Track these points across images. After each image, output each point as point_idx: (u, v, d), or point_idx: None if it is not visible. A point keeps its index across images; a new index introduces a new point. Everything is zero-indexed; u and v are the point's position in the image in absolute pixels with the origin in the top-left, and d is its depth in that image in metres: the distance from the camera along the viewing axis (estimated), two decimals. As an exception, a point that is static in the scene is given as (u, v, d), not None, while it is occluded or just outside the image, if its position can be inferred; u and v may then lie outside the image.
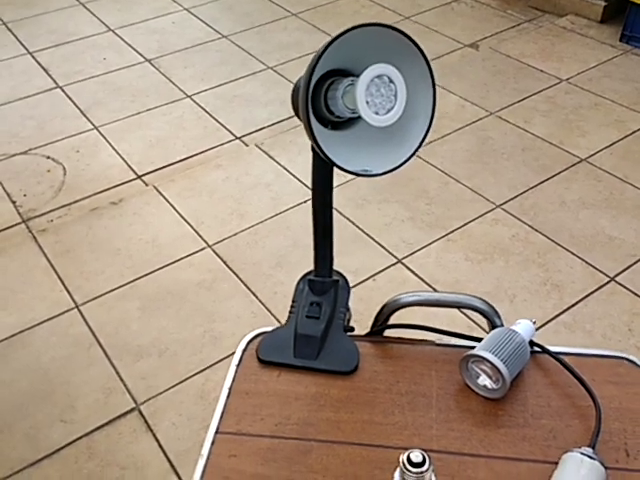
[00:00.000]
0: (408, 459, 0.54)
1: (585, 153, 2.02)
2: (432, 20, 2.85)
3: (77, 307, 1.60)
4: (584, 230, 1.75)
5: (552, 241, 1.72)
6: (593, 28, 2.68)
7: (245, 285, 1.64)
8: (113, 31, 2.87)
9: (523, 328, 0.68)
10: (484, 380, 0.65)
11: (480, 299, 0.71)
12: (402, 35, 0.56)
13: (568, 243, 1.71)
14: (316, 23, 2.84)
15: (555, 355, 0.67)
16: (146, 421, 1.34)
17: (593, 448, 0.58)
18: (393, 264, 1.68)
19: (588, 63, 2.45)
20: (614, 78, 2.36)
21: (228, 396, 0.67)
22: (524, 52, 2.54)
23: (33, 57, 2.69)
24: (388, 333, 0.75)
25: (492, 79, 2.40)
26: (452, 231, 1.77)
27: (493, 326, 0.71)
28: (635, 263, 1.64)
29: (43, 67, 2.62)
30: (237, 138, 2.20)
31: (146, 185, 2.01)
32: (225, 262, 1.71)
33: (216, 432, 0.64)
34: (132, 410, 1.37)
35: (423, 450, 0.54)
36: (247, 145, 2.17)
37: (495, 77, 2.41)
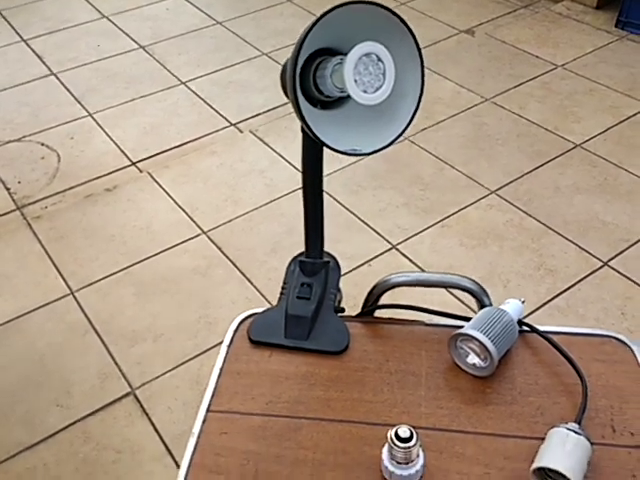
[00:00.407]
0: (396, 434, 0.55)
1: (580, 139, 2.02)
2: (427, 6, 2.83)
3: (72, 293, 1.60)
4: (578, 215, 1.75)
5: (546, 226, 1.73)
6: (589, 14, 2.67)
7: (240, 271, 1.64)
8: (107, 18, 2.85)
9: (512, 307, 0.68)
10: (473, 358, 0.66)
11: (469, 279, 0.71)
12: (390, 13, 0.56)
13: (562, 228, 1.72)
14: (311, 9, 2.82)
15: (543, 334, 0.68)
16: (141, 405, 1.35)
17: (579, 424, 0.58)
18: (388, 250, 1.69)
19: (584, 49, 2.44)
20: (609, 64, 2.35)
21: (219, 376, 0.68)
22: (520, 38, 2.53)
23: (27, 44, 2.68)
24: (379, 314, 0.75)
25: (488, 65, 2.39)
26: (447, 217, 1.77)
27: (482, 306, 0.72)
28: (628, 248, 1.65)
29: (37, 54, 2.60)
30: (232, 124, 2.20)
31: (140, 172, 2.00)
32: (220, 248, 1.71)
33: (207, 410, 0.64)
34: (127, 395, 1.37)
35: (412, 427, 0.55)
36: (242, 132, 2.16)
37: (491, 63, 2.40)
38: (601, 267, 1.61)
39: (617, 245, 1.66)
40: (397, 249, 1.69)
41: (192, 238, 1.74)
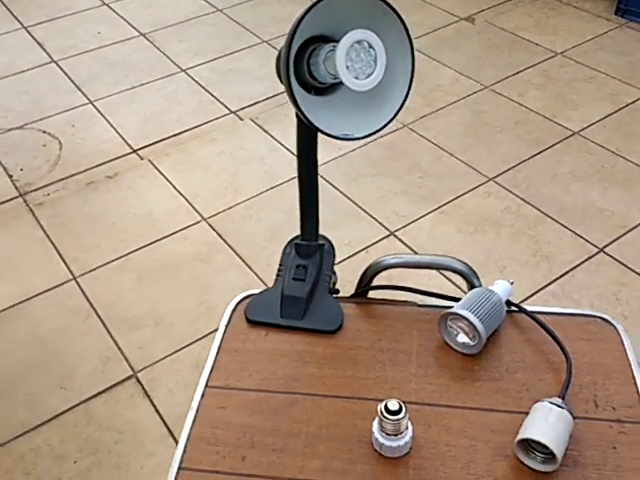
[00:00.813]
0: (386, 407, 0.57)
1: (578, 126, 2.03)
2: (428, -7, 2.82)
3: (74, 279, 1.63)
4: (575, 202, 1.77)
5: (543, 213, 1.74)
6: (589, 1, 2.67)
7: (240, 257, 1.66)
8: (107, 5, 2.85)
9: (500, 288, 0.70)
10: (462, 337, 0.68)
11: (459, 261, 0.73)
12: (380, 0, 0.57)
13: (559, 215, 1.73)
14: (311, -4, 2.81)
15: (530, 313, 0.70)
16: (143, 388, 1.38)
17: (563, 399, 0.61)
18: (386, 236, 1.71)
19: (583, 36, 2.44)
20: (609, 51, 2.36)
21: (217, 354, 0.70)
22: (519, 25, 2.53)
23: (28, 32, 2.68)
24: (372, 295, 0.78)
25: (487, 52, 2.39)
26: (444, 204, 1.79)
27: (472, 287, 0.74)
28: (624, 234, 1.67)
29: (38, 42, 2.61)
30: (232, 112, 2.21)
31: (141, 159, 2.02)
32: (220, 235, 1.73)
33: (205, 386, 0.67)
34: (129, 377, 1.40)
35: (402, 401, 0.57)
36: (242, 119, 2.17)
37: (490, 50, 2.40)
38: (597, 253, 1.62)
39: (613, 232, 1.68)
40: (395, 236, 1.71)
41: (192, 225, 1.77)
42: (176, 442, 1.29)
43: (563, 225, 1.70)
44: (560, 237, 1.67)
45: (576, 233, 1.68)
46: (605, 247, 1.64)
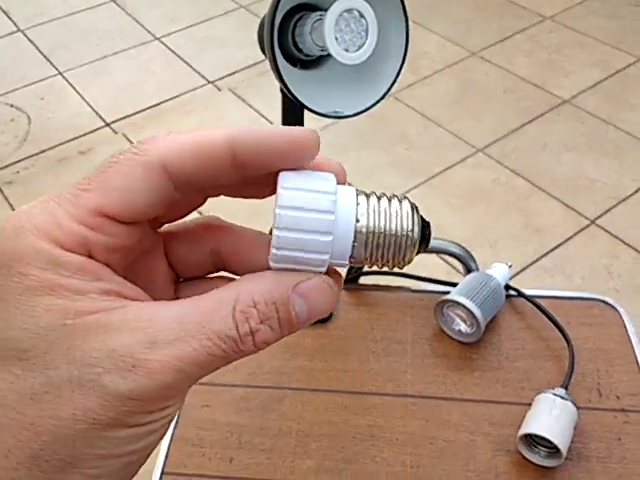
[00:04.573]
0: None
1: (568, 94, 1.98)
2: (413, -45, 2.72)
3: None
4: (566, 173, 1.74)
5: (533, 185, 1.71)
6: (579, -38, 2.59)
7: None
8: (76, -31, 2.71)
9: (498, 272, 0.67)
10: (459, 325, 0.65)
11: (455, 244, 0.69)
12: (372, -39, 0.52)
13: (549, 187, 1.70)
14: (292, -41, 2.70)
15: (530, 298, 0.66)
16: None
17: (566, 389, 0.58)
18: (373, 211, 1.66)
19: (573, 0, 2.38)
20: (599, 15, 2.30)
21: (201, 347, 0.66)
22: (508, -12, 2.45)
23: (-9, -2, 2.54)
24: (363, 280, 0.74)
25: (474, 16, 2.32)
26: (433, 177, 1.75)
27: (469, 270, 0.70)
28: (615, 206, 1.65)
29: (2, 10, 2.48)
30: (210, 82, 2.12)
31: (115, 133, 1.94)
32: (200, 212, 1.67)
33: (189, 384, 0.63)
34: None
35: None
36: (220, 90, 2.09)
37: (477, 14, 2.33)
38: (588, 226, 1.60)
39: (604, 203, 1.65)
40: (382, 210, 1.66)
41: (173, 202, 1.71)
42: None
43: (554, 197, 1.68)
44: (551, 209, 1.64)
45: (567, 205, 1.65)
46: (597, 219, 1.61)
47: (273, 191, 0.23)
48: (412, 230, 0.23)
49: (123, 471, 0.22)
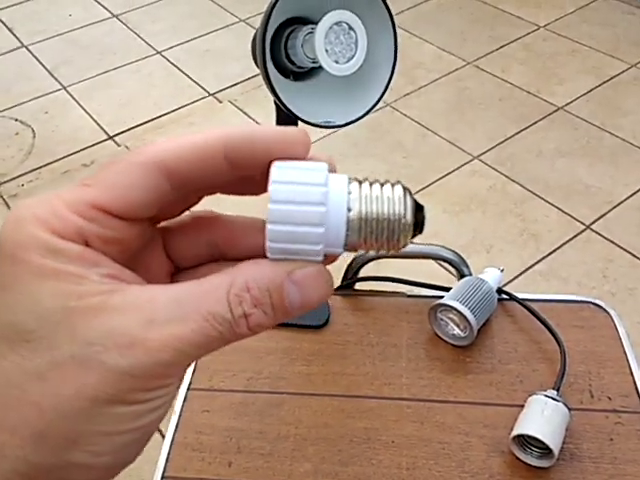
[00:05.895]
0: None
1: (562, 101, 2.00)
2: (408, -34, 2.76)
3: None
4: (561, 179, 1.76)
5: (529, 191, 1.73)
6: (572, -28, 2.62)
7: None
8: (77, -15, 2.75)
9: (491, 276, 0.68)
10: (452, 329, 0.66)
11: (448, 249, 0.71)
12: (360, -23, 0.54)
13: (545, 192, 1.72)
14: (289, -28, 2.73)
15: (521, 301, 0.68)
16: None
17: (557, 390, 0.59)
18: (371, 219, 1.68)
19: (566, 9, 2.41)
20: (592, 23, 2.32)
21: (200, 354, 0.67)
22: (502, -2, 2.49)
23: (-6, 15, 2.58)
24: (359, 286, 0.75)
25: (469, 27, 2.35)
26: (430, 184, 1.77)
27: (462, 275, 0.72)
28: (610, 210, 1.66)
29: (6, 26, 2.51)
30: (210, 95, 2.15)
31: (118, 146, 1.96)
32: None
33: (188, 389, 0.64)
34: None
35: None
36: (220, 102, 2.12)
37: (472, 25, 2.36)
38: (583, 230, 1.62)
39: (599, 208, 1.67)
40: (381, 218, 1.68)
41: (173, 212, 1.72)
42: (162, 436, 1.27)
43: (549, 202, 1.69)
44: (546, 215, 1.66)
45: (562, 210, 1.67)
46: (592, 224, 1.63)
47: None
48: (404, 214, 0.23)
49: (126, 449, 0.22)
